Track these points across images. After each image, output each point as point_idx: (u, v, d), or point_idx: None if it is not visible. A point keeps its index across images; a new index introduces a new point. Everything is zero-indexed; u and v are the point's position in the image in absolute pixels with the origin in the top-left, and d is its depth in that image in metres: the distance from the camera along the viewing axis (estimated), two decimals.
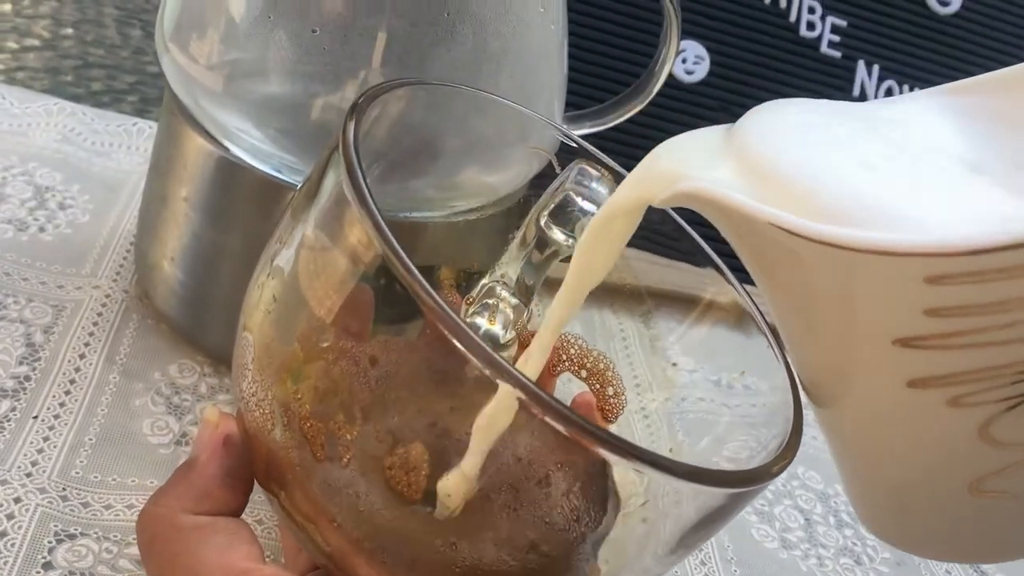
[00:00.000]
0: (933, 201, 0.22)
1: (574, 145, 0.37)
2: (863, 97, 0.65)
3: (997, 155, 0.23)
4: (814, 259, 0.21)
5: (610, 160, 0.36)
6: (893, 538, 0.28)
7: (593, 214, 0.34)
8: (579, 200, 0.34)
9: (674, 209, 0.37)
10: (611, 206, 0.28)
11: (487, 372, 0.23)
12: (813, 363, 0.26)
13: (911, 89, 0.66)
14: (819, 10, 0.65)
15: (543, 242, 0.34)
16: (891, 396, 0.22)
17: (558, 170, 0.36)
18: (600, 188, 0.34)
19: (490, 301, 0.36)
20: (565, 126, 0.39)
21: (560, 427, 0.23)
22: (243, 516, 0.31)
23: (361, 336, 0.30)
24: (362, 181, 0.25)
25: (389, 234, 0.24)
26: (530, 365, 0.31)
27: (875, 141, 0.24)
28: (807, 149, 0.23)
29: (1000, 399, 0.21)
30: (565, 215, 0.34)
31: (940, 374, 0.21)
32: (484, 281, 0.37)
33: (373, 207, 0.25)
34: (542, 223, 0.34)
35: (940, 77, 0.66)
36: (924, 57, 0.66)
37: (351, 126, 0.27)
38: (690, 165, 0.25)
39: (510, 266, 0.36)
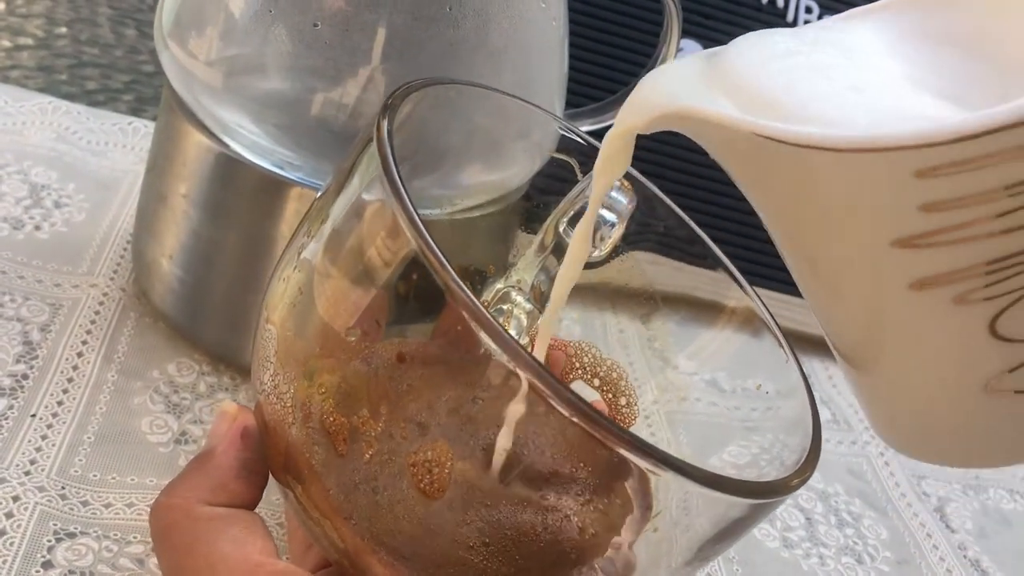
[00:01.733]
0: (910, 113, 0.22)
1: (584, 143, 0.36)
2: None
3: (951, 77, 0.24)
4: (803, 167, 0.21)
5: (631, 168, 0.36)
6: (914, 450, 0.27)
7: (613, 223, 0.34)
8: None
9: (685, 211, 0.37)
10: (611, 138, 0.29)
11: (515, 368, 0.23)
12: (814, 280, 0.25)
13: None
14: (816, 10, 0.65)
15: (561, 248, 0.34)
16: (896, 301, 0.22)
17: (579, 177, 0.36)
18: (619, 197, 0.34)
19: (505, 307, 0.36)
20: (584, 131, 0.39)
21: (594, 432, 0.23)
22: None
23: (386, 332, 0.30)
24: (397, 176, 0.25)
25: (424, 230, 0.24)
26: (550, 310, 0.32)
27: (852, 68, 0.24)
28: (791, 72, 0.23)
29: (1005, 292, 0.21)
30: None
31: (942, 272, 0.21)
32: (499, 286, 0.37)
33: (408, 202, 0.25)
34: (561, 229, 0.34)
35: None
36: None
37: (384, 123, 0.27)
38: (676, 89, 0.25)
39: (526, 272, 0.36)
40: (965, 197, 0.19)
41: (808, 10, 0.64)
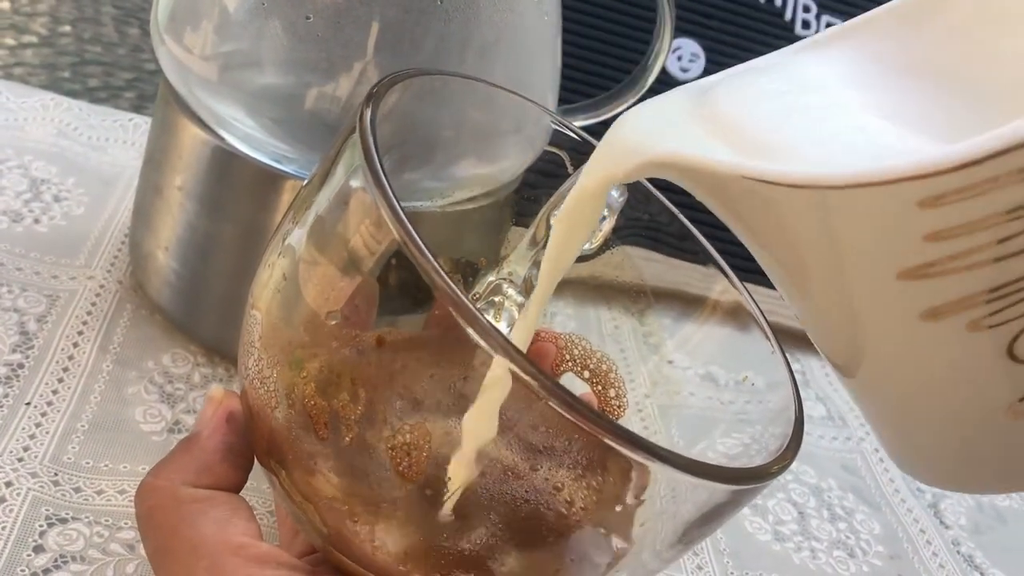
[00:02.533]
0: (899, 148, 0.22)
1: (576, 137, 0.37)
2: None
3: (926, 111, 0.24)
4: (801, 210, 0.21)
5: None
6: (936, 478, 0.27)
7: (603, 217, 0.34)
8: None
9: (677, 207, 0.37)
10: (580, 191, 0.28)
11: (497, 355, 0.23)
12: (824, 320, 0.25)
13: None
14: (814, 9, 0.65)
15: None
16: (908, 333, 0.22)
17: (570, 170, 0.36)
18: (611, 190, 0.34)
19: (496, 299, 0.36)
20: (574, 124, 0.39)
21: (579, 421, 0.24)
22: None
23: (368, 317, 0.30)
24: (379, 166, 0.26)
25: (405, 219, 0.24)
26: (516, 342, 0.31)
27: (835, 108, 0.24)
28: (779, 114, 0.23)
29: (1013, 317, 0.20)
30: None
31: (952, 300, 0.20)
32: (491, 279, 0.37)
33: (390, 191, 0.25)
34: (552, 223, 0.35)
35: None
36: None
37: (368, 112, 0.27)
38: (660, 133, 0.24)
39: (518, 264, 0.36)
40: (968, 223, 0.19)
41: (806, 9, 0.65)
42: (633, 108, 0.26)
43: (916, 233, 0.20)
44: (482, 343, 0.24)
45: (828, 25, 0.65)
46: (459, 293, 0.24)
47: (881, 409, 0.26)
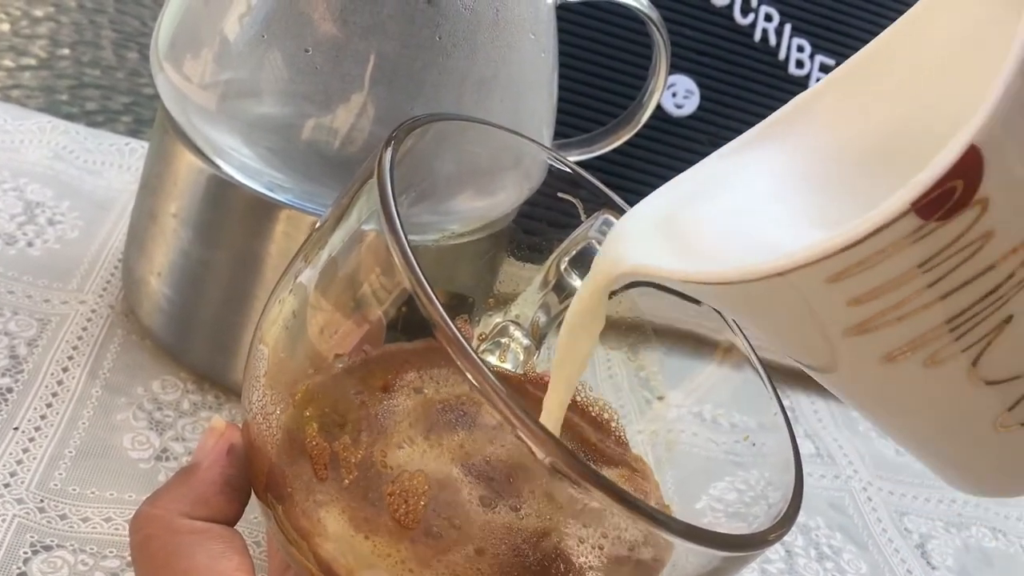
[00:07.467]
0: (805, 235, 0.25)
1: (571, 172, 0.37)
2: None
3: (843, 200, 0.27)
4: (741, 299, 0.25)
5: (621, 201, 0.36)
6: (966, 486, 0.29)
7: None
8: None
9: None
10: (577, 300, 0.31)
11: (501, 414, 0.24)
12: (804, 361, 0.27)
13: None
14: (808, 48, 0.65)
15: (561, 287, 0.35)
16: (876, 374, 0.24)
17: (583, 217, 0.36)
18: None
19: (502, 340, 0.37)
20: (569, 159, 0.40)
21: (578, 481, 0.24)
22: None
23: (374, 360, 0.30)
24: (395, 213, 0.26)
25: (418, 267, 0.24)
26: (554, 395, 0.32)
27: (772, 212, 0.28)
28: (727, 228, 0.27)
29: (964, 348, 0.22)
30: (585, 263, 0.35)
31: (901, 345, 0.22)
32: (497, 320, 0.37)
33: (404, 241, 0.25)
34: (562, 268, 0.35)
35: None
36: None
37: (387, 156, 0.27)
38: (633, 249, 0.29)
39: (526, 307, 0.37)
40: (884, 285, 0.21)
41: (800, 48, 0.65)
42: (617, 226, 0.30)
43: (840, 300, 0.22)
44: (484, 399, 0.24)
45: (822, 65, 0.66)
46: (464, 343, 0.24)
47: (901, 436, 0.28)
